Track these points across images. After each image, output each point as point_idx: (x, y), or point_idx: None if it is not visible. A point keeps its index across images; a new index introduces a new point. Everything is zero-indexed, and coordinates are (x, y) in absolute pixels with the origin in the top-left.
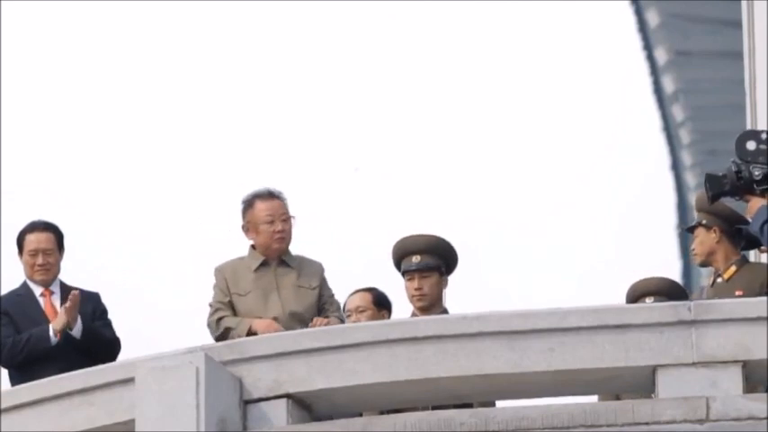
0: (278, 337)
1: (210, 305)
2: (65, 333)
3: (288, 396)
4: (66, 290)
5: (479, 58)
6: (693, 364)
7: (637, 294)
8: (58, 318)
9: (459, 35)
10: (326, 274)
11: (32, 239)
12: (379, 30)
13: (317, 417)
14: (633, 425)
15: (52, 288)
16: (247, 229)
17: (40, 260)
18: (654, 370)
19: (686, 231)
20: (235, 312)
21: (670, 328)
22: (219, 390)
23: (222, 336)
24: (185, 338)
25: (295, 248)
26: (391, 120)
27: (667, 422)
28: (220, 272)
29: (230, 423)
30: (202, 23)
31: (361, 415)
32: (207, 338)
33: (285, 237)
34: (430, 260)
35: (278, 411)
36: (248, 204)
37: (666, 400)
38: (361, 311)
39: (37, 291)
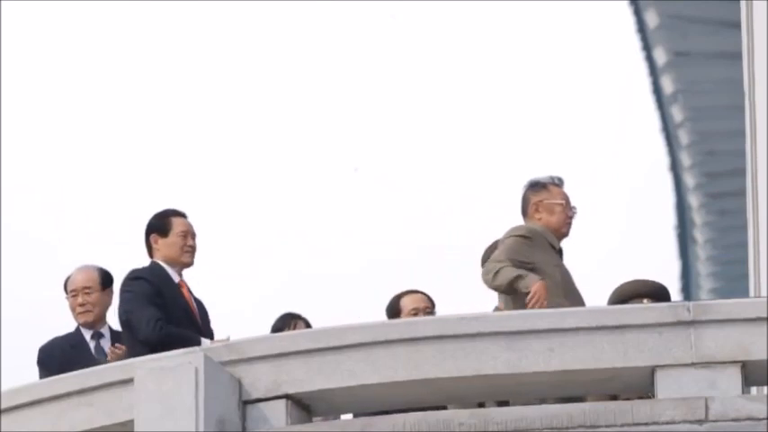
0: (277, 337)
1: (503, 261)
2: None
3: (287, 397)
4: (197, 300)
5: (478, 58)
6: (692, 364)
7: (626, 296)
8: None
9: (458, 35)
10: (327, 275)
11: (180, 222)
12: (379, 30)
13: (315, 417)
14: (632, 425)
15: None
16: (536, 208)
17: (190, 242)
18: (653, 370)
19: None
20: None
21: (669, 329)
22: (218, 390)
23: (510, 284)
24: None
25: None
26: (391, 120)
27: (666, 423)
28: (535, 233)
29: (229, 424)
30: (202, 23)
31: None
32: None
33: (571, 225)
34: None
35: (277, 412)
36: (542, 186)
37: (665, 400)
38: (428, 312)
39: (176, 278)
